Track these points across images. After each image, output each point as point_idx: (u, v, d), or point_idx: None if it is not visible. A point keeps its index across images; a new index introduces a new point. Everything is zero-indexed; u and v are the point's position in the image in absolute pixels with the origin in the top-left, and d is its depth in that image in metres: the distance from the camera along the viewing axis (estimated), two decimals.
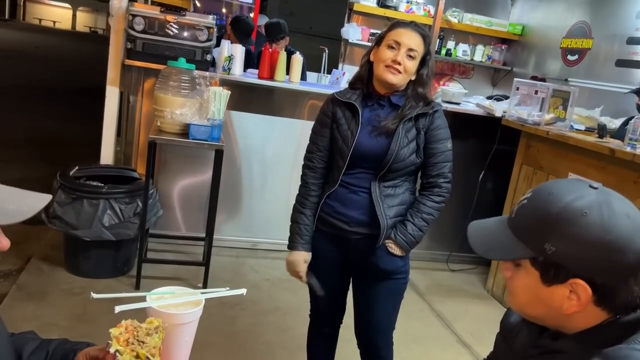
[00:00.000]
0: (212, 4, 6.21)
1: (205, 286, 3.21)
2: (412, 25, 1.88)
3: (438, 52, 5.99)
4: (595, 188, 0.89)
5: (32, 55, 15.13)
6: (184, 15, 3.23)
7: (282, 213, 3.94)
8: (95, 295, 1.15)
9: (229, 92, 3.05)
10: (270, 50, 3.60)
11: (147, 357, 0.95)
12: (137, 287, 3.10)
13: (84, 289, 3.02)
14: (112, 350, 0.94)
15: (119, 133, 3.73)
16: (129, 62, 3.28)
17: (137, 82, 3.51)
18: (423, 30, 1.87)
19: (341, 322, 2.20)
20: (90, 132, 5.60)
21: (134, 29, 3.17)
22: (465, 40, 5.98)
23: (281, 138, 3.80)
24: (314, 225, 1.98)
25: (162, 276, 3.31)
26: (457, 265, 4.23)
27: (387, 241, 1.87)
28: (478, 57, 6.02)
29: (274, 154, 3.84)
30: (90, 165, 3.40)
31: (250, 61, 4.17)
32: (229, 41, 3.57)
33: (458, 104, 3.88)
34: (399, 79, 1.83)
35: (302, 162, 2.02)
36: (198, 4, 6.15)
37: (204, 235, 3.64)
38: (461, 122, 3.77)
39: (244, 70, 3.70)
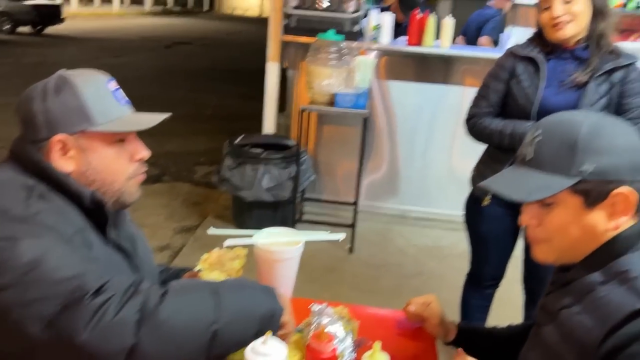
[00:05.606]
0: None
1: (352, 247, 3.39)
2: None
3: (625, 4, 5.30)
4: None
5: (224, 41, 16.89)
6: None
7: (436, 182, 3.96)
8: (212, 231, 1.37)
9: (374, 61, 3.13)
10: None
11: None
12: None
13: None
14: (196, 269, 1.14)
15: (283, 107, 4.05)
16: (285, 37, 3.54)
17: (295, 57, 3.77)
18: None
19: (499, 285, 2.17)
20: None
21: (288, 6, 3.42)
22: None
23: (437, 105, 3.77)
24: None
25: None
26: None
27: None
28: None
29: (431, 122, 3.83)
30: (253, 135, 3.78)
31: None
32: (378, 10, 3.63)
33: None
34: (570, 30, 1.74)
35: (465, 118, 1.97)
36: None
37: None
38: None
39: (395, 38, 3.73)
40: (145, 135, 1.10)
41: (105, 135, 1.05)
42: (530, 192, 0.92)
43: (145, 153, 1.12)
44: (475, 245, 2.12)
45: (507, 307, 2.34)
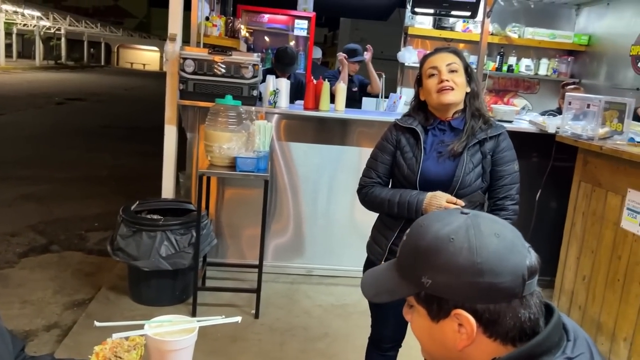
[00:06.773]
0: (274, 40, 6.46)
1: (257, 312, 3.31)
2: (438, 49, 1.95)
3: (499, 68, 5.86)
4: (466, 213, 0.86)
5: (122, 97, 16.42)
6: (230, 55, 3.42)
7: (339, 239, 4.03)
8: (97, 324, 1.26)
9: (272, 125, 3.18)
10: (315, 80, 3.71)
11: None
12: (193, 314, 3.25)
13: (144, 317, 3.19)
14: None
15: (184, 166, 3.97)
16: (181, 102, 3.51)
17: (193, 120, 3.74)
18: (449, 48, 1.93)
19: (401, 345, 2.19)
20: None
21: (185, 71, 3.40)
22: (528, 55, 5.82)
23: (337, 165, 3.88)
24: None
25: (219, 303, 3.45)
26: None
27: None
28: (543, 71, 5.84)
29: (331, 181, 3.92)
30: (150, 200, 3.65)
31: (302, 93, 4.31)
32: (274, 76, 3.72)
33: (510, 122, 3.76)
34: (456, 95, 1.87)
35: (357, 189, 2.04)
36: (267, 39, 6.42)
37: None
38: (514, 141, 3.65)
39: (293, 102, 3.83)
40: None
41: None
42: (378, 293, 0.92)
43: None
44: (373, 309, 2.14)
45: None
